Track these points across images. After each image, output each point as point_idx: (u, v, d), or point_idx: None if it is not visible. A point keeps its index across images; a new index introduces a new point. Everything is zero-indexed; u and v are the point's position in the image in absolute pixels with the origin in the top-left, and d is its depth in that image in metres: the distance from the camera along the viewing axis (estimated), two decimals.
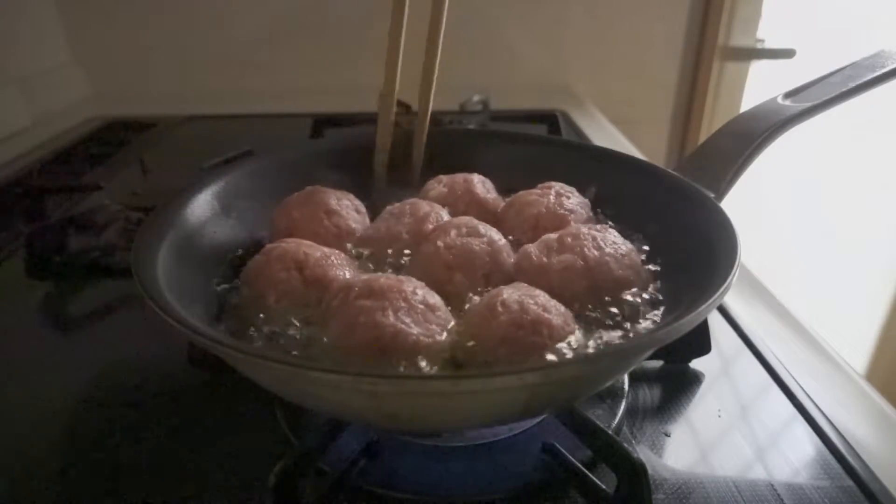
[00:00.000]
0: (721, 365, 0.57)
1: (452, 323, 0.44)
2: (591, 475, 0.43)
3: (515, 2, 1.56)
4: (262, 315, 0.47)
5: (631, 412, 0.51)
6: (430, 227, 0.54)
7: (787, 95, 0.58)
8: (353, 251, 0.56)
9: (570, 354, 0.41)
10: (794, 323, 0.66)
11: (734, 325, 0.63)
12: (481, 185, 0.63)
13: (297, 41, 1.56)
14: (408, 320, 0.41)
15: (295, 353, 0.43)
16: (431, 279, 0.47)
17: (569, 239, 0.50)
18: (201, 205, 0.54)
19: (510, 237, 0.55)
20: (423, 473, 0.44)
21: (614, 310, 0.47)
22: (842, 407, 0.52)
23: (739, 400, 0.53)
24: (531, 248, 0.51)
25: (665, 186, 0.56)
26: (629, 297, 0.49)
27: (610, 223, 0.58)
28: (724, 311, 0.65)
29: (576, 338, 0.43)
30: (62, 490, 0.44)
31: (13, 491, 0.44)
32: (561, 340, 0.42)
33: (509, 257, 0.52)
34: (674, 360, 0.57)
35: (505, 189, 0.64)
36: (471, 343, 0.43)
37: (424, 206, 0.57)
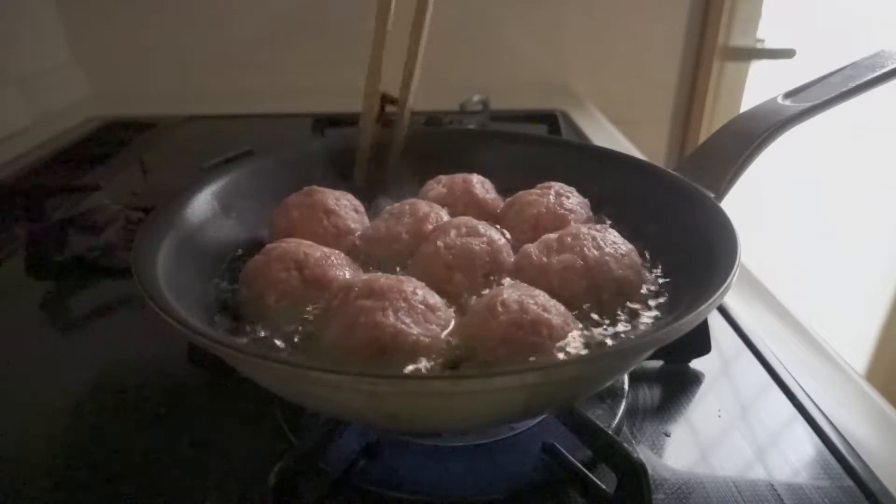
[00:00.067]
0: (721, 365, 0.57)
1: (452, 323, 0.45)
2: (591, 475, 0.43)
3: (515, 2, 1.56)
4: (261, 315, 0.47)
5: (631, 412, 0.51)
6: (430, 227, 0.55)
7: (787, 95, 0.58)
8: (353, 252, 0.56)
9: (570, 354, 0.41)
10: (794, 323, 0.66)
11: (734, 325, 0.63)
12: (480, 186, 0.63)
13: (297, 41, 1.56)
14: (408, 320, 0.41)
15: (295, 353, 0.43)
16: (431, 279, 0.47)
17: (569, 239, 0.50)
18: (201, 205, 0.55)
19: (510, 237, 0.56)
20: (423, 473, 0.44)
21: (614, 310, 0.47)
22: (842, 407, 0.52)
23: (739, 400, 0.53)
24: (531, 247, 0.51)
25: (665, 186, 0.56)
26: (629, 297, 0.49)
27: (610, 223, 0.58)
28: (724, 311, 0.65)
29: (576, 338, 0.43)
30: (62, 490, 0.44)
31: (13, 491, 0.44)
32: (561, 340, 0.42)
33: (509, 257, 0.52)
34: (674, 360, 0.57)
35: (505, 189, 0.64)
36: (471, 343, 0.43)
37: (424, 206, 0.57)
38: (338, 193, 0.60)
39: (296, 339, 0.45)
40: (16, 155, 1.13)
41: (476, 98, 1.32)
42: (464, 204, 0.61)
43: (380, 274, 0.49)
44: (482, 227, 0.52)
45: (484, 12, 1.55)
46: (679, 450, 0.48)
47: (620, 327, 0.46)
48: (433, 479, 0.44)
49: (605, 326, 0.46)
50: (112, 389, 0.54)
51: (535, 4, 1.57)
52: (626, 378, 0.54)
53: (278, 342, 0.45)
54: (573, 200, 0.59)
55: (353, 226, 0.58)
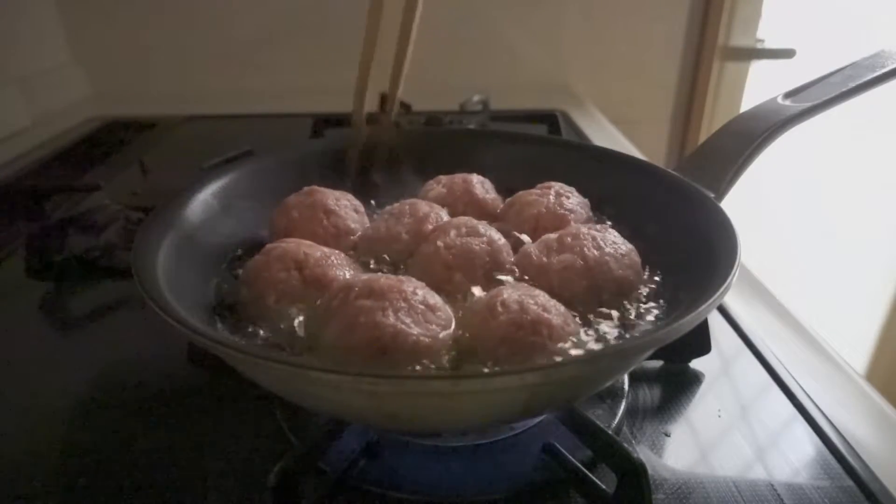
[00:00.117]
0: (721, 365, 0.57)
1: (453, 323, 0.44)
2: (591, 475, 0.42)
3: (515, 2, 1.56)
4: (261, 315, 0.47)
5: (631, 412, 0.51)
6: (430, 227, 0.55)
7: (787, 95, 0.58)
8: (353, 252, 0.56)
9: (570, 354, 0.41)
10: (794, 323, 0.66)
11: (734, 325, 0.63)
12: (480, 186, 0.63)
13: (297, 41, 1.56)
14: (408, 320, 0.41)
15: (295, 353, 0.43)
16: (431, 279, 0.47)
17: (569, 239, 0.50)
18: (201, 205, 0.55)
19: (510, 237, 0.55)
20: (423, 473, 0.44)
21: (614, 310, 0.47)
22: (842, 407, 0.52)
23: (739, 400, 0.53)
24: (531, 247, 0.51)
25: (665, 186, 0.56)
26: (629, 297, 0.49)
27: (610, 223, 0.58)
28: (724, 311, 0.65)
29: (576, 337, 0.43)
30: (62, 490, 0.44)
31: (14, 491, 0.44)
32: (561, 340, 0.42)
33: (509, 257, 0.52)
34: (674, 360, 0.57)
35: (505, 189, 0.64)
36: (471, 343, 0.43)
37: (424, 206, 0.57)
38: (338, 193, 0.60)
39: (296, 340, 0.45)
40: (16, 155, 1.13)
41: (476, 98, 1.32)
42: (464, 204, 0.61)
43: (380, 274, 0.49)
44: (482, 226, 0.52)
45: (484, 12, 1.55)
46: (679, 450, 0.48)
47: (620, 327, 0.46)
48: (433, 479, 0.44)
49: (605, 326, 0.46)
50: (112, 389, 0.55)
51: (535, 4, 1.57)
52: (626, 378, 0.54)
53: (278, 342, 0.45)
54: (573, 200, 0.59)
55: (353, 226, 0.58)
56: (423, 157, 0.69)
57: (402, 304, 0.42)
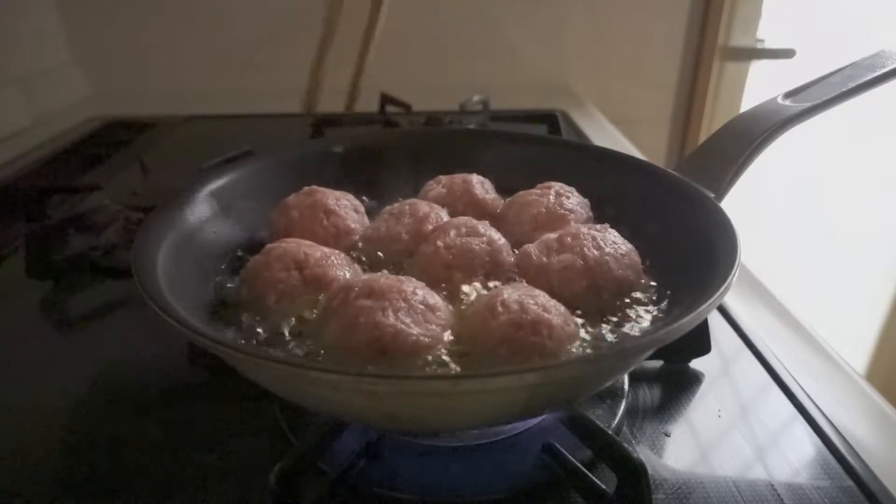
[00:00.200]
0: (721, 365, 0.57)
1: (453, 323, 0.44)
2: (591, 475, 0.42)
3: (516, 2, 1.56)
4: (261, 315, 0.47)
5: (631, 412, 0.51)
6: (430, 227, 0.55)
7: (787, 95, 0.58)
8: (353, 252, 0.56)
9: (570, 354, 0.41)
10: (794, 323, 0.66)
11: (734, 325, 0.63)
12: (480, 186, 0.63)
13: (297, 41, 1.56)
14: (408, 320, 0.41)
15: (295, 353, 0.43)
16: (431, 279, 0.47)
17: (569, 239, 0.50)
18: (201, 205, 0.54)
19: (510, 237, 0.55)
20: (423, 473, 0.44)
21: (614, 309, 0.47)
22: (842, 407, 0.52)
23: (739, 400, 0.53)
24: (531, 247, 0.51)
25: (665, 186, 0.56)
26: (629, 297, 0.49)
27: (610, 223, 0.58)
28: (724, 311, 0.65)
29: (576, 338, 0.43)
30: (62, 490, 0.44)
31: (13, 491, 0.44)
32: (561, 340, 0.42)
33: (509, 257, 0.52)
34: (674, 360, 0.57)
35: (505, 189, 0.64)
36: (471, 343, 0.43)
37: (424, 206, 0.57)
38: (338, 193, 0.60)
39: (296, 339, 0.45)
40: (16, 155, 1.13)
41: (476, 98, 1.32)
42: (464, 204, 0.61)
43: (380, 274, 0.49)
44: (482, 226, 0.52)
45: (484, 12, 1.55)
46: (679, 450, 0.48)
47: (620, 327, 0.46)
48: (433, 480, 0.44)
49: (604, 326, 0.46)
50: (112, 389, 0.54)
51: (536, 4, 1.57)
52: (626, 378, 0.54)
53: (278, 342, 0.45)
54: (573, 200, 0.59)
55: (353, 226, 0.58)
56: (423, 157, 0.69)
57: (402, 304, 0.42)
